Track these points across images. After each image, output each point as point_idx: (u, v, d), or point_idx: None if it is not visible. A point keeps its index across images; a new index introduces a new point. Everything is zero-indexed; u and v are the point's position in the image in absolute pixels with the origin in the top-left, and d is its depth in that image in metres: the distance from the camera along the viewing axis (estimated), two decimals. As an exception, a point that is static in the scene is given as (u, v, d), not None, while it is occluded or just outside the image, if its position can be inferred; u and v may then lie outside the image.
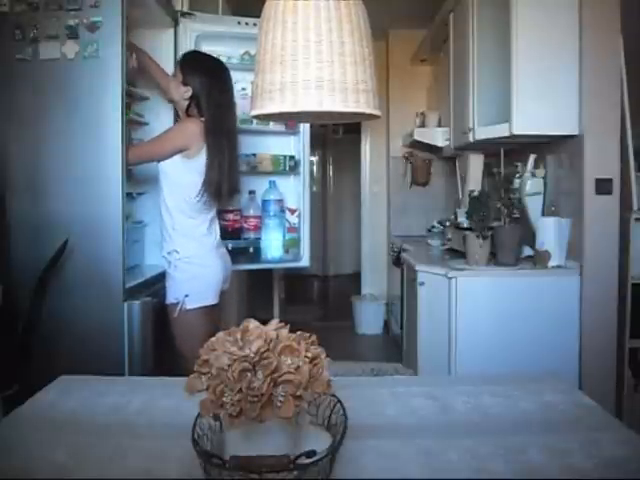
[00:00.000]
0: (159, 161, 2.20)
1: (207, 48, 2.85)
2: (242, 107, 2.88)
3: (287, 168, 3.00)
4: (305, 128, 3.05)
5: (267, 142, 3.05)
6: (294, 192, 3.06)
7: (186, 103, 2.25)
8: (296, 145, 3.08)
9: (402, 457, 1.01)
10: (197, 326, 2.13)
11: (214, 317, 2.26)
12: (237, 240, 2.87)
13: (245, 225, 2.89)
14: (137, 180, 2.67)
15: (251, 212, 2.89)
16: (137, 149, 2.27)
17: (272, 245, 2.94)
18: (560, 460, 1.00)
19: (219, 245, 2.32)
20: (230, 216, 2.82)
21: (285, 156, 3.02)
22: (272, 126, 2.98)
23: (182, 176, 2.19)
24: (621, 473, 0.96)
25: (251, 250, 2.91)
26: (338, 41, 1.02)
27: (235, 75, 2.90)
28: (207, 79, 2.22)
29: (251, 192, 2.87)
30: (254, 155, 2.97)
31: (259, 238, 2.93)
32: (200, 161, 2.18)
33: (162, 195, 2.23)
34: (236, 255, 2.84)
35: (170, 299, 2.21)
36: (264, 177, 2.94)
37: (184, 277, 2.19)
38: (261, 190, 2.94)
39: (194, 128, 2.18)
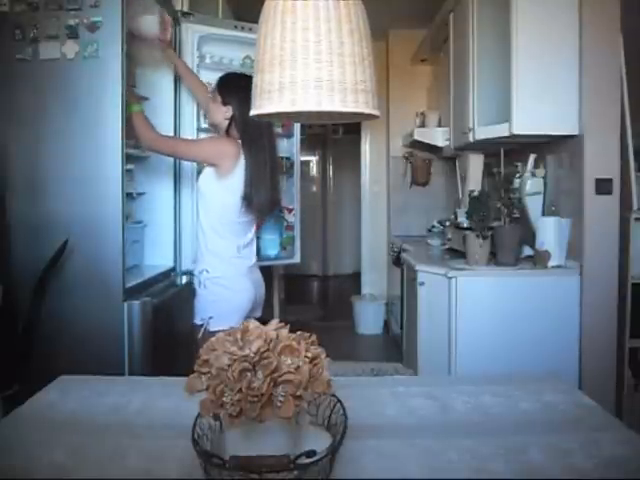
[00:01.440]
0: (176, 158, 2.29)
1: (209, 50, 2.85)
2: None
3: (284, 169, 3.05)
4: (296, 130, 3.10)
5: None
6: (287, 192, 3.09)
7: (227, 123, 2.24)
8: (290, 147, 3.13)
9: (402, 457, 1.01)
10: None
11: None
12: None
13: None
14: (137, 180, 2.67)
15: None
16: (164, 139, 2.26)
17: (269, 243, 2.97)
18: (560, 460, 0.99)
19: (252, 270, 2.29)
20: None
21: (282, 157, 3.06)
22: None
23: (217, 196, 2.20)
24: (621, 473, 0.96)
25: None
26: (337, 41, 1.02)
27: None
28: (244, 96, 2.21)
29: None
30: None
31: (258, 237, 2.95)
32: (234, 180, 2.17)
33: (199, 214, 2.25)
34: None
35: (196, 319, 2.22)
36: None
37: (210, 298, 2.20)
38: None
39: (229, 147, 2.18)
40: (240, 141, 2.20)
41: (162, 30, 2.28)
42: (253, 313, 2.29)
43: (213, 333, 2.15)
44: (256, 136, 2.20)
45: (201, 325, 2.18)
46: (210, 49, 2.86)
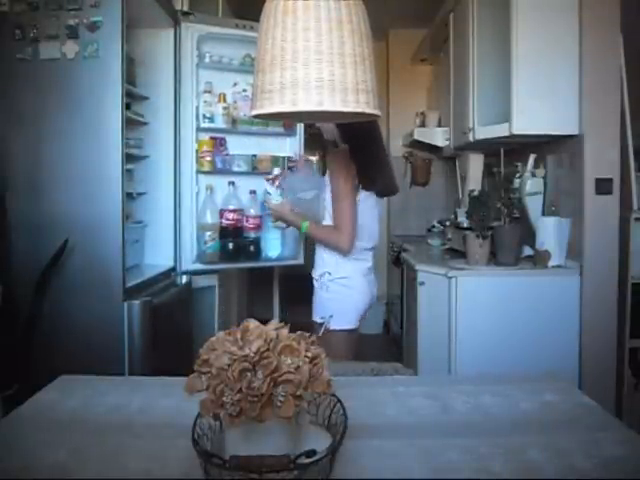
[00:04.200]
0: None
1: (209, 49, 2.85)
2: (243, 108, 2.89)
3: (285, 168, 2.99)
4: (300, 129, 3.06)
5: (266, 143, 3.04)
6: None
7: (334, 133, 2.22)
8: (293, 146, 3.07)
9: (402, 457, 1.01)
10: (336, 347, 2.13)
11: (353, 341, 2.28)
12: (238, 239, 2.85)
13: (246, 224, 2.87)
14: (137, 180, 2.67)
15: (252, 212, 2.87)
16: (347, 224, 2.14)
17: (271, 244, 2.93)
18: (560, 460, 0.99)
19: (370, 272, 2.30)
20: (231, 215, 2.81)
21: (284, 157, 3.03)
22: (271, 128, 3.00)
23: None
24: (621, 473, 0.96)
25: (252, 249, 2.90)
26: (338, 41, 1.02)
27: (236, 77, 2.91)
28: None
29: (252, 192, 2.86)
30: (254, 156, 2.98)
31: (259, 237, 2.92)
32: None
33: (323, 221, 2.24)
34: (236, 253, 2.83)
35: (316, 317, 2.22)
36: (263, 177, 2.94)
37: (332, 297, 2.20)
38: (261, 190, 2.92)
39: (343, 157, 2.16)
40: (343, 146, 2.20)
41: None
42: (365, 313, 2.32)
43: (333, 332, 2.17)
44: (360, 134, 2.18)
45: (321, 324, 2.19)
46: (209, 49, 2.86)
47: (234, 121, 2.89)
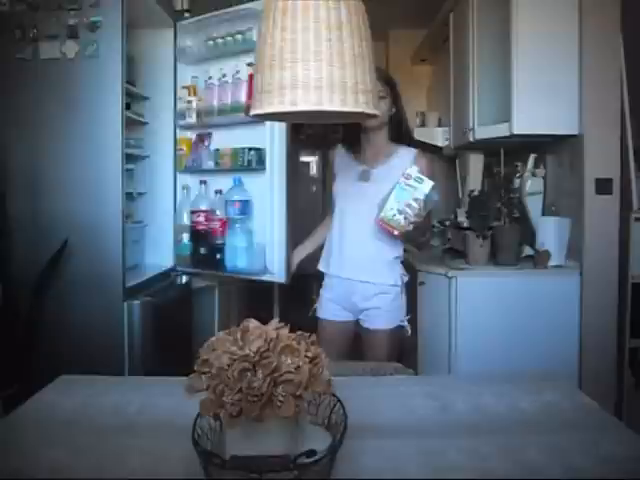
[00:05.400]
0: None
1: (191, 43, 2.68)
2: (207, 99, 2.58)
3: (246, 163, 2.42)
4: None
5: (248, 135, 2.47)
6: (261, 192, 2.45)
7: (385, 126, 2.15)
8: (269, 135, 2.40)
9: (402, 457, 1.01)
10: (398, 346, 2.19)
11: None
12: (207, 243, 2.55)
13: (213, 228, 2.54)
14: (137, 180, 2.67)
15: (217, 214, 2.54)
16: None
17: (236, 252, 2.45)
18: (560, 460, 0.99)
19: None
20: (199, 217, 2.55)
21: (244, 149, 2.43)
22: (240, 116, 2.41)
23: None
24: (621, 473, 0.96)
25: (218, 256, 2.50)
26: (337, 41, 1.02)
27: (221, 62, 2.57)
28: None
29: (217, 192, 2.54)
30: (217, 150, 2.59)
31: (224, 244, 2.50)
32: None
33: None
34: (208, 259, 2.54)
35: (396, 322, 2.17)
36: (234, 175, 2.49)
37: (404, 301, 2.21)
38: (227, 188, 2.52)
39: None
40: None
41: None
42: None
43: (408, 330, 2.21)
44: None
45: (402, 326, 2.17)
46: (194, 42, 2.66)
47: (206, 113, 2.56)
